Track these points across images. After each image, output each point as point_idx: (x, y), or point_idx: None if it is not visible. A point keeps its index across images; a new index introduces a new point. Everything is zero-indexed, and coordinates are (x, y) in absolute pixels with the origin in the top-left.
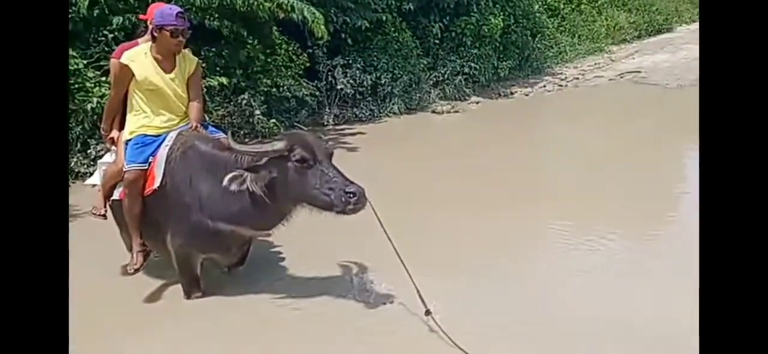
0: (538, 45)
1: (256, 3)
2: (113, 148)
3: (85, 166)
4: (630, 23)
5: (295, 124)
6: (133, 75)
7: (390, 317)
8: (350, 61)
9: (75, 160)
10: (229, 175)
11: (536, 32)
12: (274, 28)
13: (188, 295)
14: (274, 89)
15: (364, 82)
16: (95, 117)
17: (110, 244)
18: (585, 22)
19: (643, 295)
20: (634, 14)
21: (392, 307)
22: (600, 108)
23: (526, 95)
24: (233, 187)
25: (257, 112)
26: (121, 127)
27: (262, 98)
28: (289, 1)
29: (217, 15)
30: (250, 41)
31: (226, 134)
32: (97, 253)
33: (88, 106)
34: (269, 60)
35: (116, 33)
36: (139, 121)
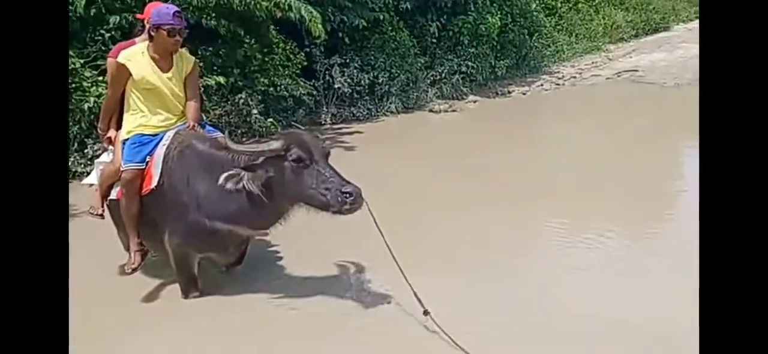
0: (536, 44)
1: (253, 2)
2: (110, 147)
3: (83, 165)
4: (627, 22)
5: (293, 123)
6: (130, 74)
7: (387, 317)
8: (347, 60)
9: (72, 159)
10: (225, 174)
11: (533, 31)
12: (271, 27)
13: (186, 294)
14: (271, 88)
15: (362, 81)
16: (92, 116)
17: (108, 243)
18: (582, 20)
19: (641, 293)
20: (632, 13)
21: (389, 306)
22: (597, 107)
23: (524, 94)
24: (229, 185)
25: (254, 111)
26: (119, 127)
27: (260, 97)
28: (286, 0)
29: (214, 14)
30: (247, 40)
31: (224, 133)
32: (94, 252)
33: (85, 106)
34: (266, 59)
35: (113, 32)
36: (137, 120)
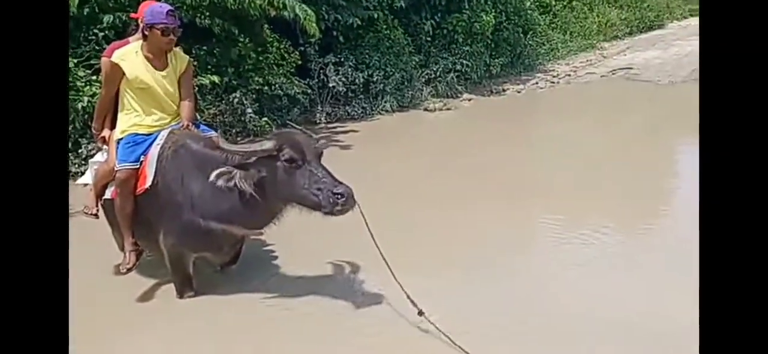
0: (530, 42)
1: (247, 1)
2: (104, 147)
3: (77, 165)
4: (621, 20)
5: (287, 122)
6: (124, 74)
7: (381, 317)
8: (342, 59)
9: None
10: (217, 171)
11: (528, 29)
12: (266, 26)
13: (181, 294)
14: (265, 87)
15: (356, 80)
16: (86, 116)
17: (102, 243)
18: (577, 18)
19: (638, 289)
20: (626, 11)
21: (383, 306)
22: (592, 105)
23: (518, 92)
24: (220, 182)
25: (249, 110)
26: (113, 126)
27: (254, 96)
28: None
29: (208, 13)
30: (241, 39)
31: (218, 133)
32: (89, 252)
33: (79, 105)
34: (261, 58)
35: (107, 32)
36: (131, 119)
